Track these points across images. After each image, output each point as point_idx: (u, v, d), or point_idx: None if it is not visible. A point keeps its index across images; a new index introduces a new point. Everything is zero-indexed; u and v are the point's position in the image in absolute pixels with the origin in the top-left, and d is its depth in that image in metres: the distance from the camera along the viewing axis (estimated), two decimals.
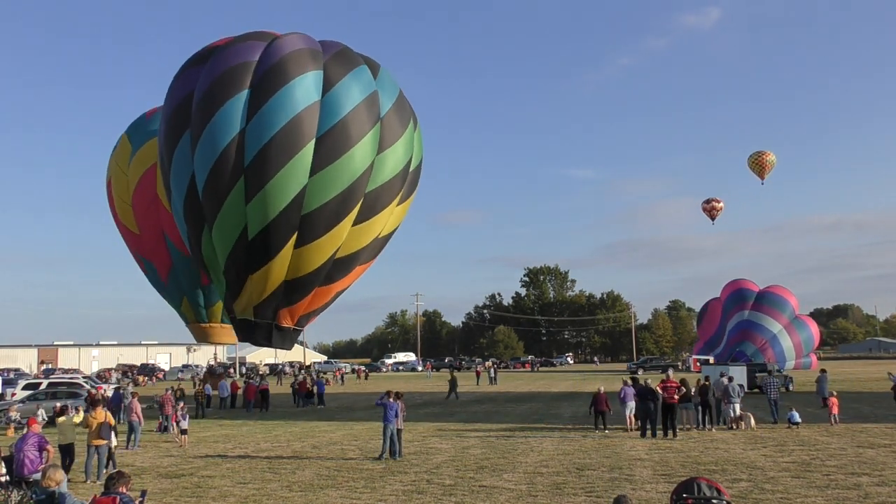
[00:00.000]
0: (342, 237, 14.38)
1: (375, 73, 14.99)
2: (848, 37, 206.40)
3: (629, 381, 22.63)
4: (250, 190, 13.70)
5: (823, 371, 30.72)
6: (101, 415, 15.28)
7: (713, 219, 56.58)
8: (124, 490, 6.96)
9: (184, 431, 20.86)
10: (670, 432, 20.19)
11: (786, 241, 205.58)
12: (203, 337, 23.29)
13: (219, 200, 13.93)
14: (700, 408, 22.18)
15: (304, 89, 13.76)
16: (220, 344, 22.49)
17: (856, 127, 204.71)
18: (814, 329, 51.48)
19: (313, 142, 13.69)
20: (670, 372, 24.44)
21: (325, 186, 13.85)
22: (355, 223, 14.44)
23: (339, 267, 14.85)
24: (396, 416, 17.20)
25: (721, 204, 56.01)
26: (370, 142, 14.10)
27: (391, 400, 17.61)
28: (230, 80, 13.83)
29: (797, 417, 21.55)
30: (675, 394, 20.72)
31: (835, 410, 22.50)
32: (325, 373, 61.40)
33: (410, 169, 15.36)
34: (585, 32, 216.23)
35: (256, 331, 15.13)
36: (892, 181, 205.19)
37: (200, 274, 20.35)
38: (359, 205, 14.28)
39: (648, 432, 20.32)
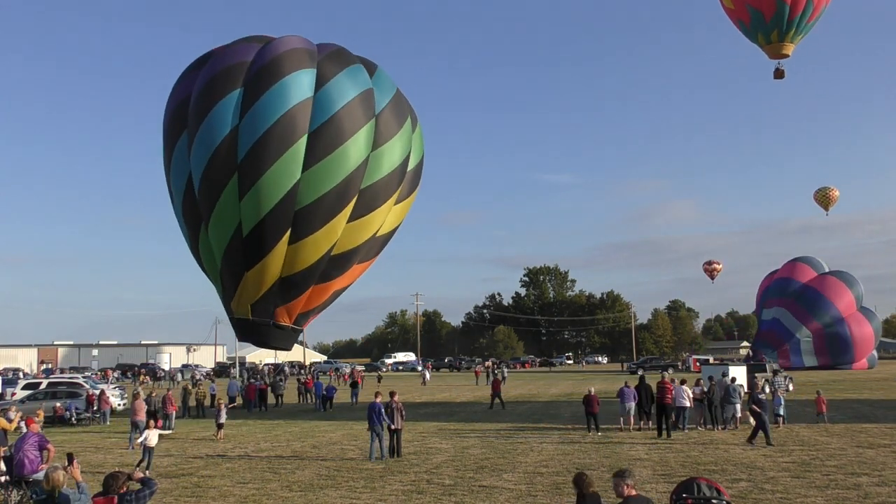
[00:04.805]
0: (337, 233, 14.40)
1: (371, 73, 15.11)
2: (835, 40, 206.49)
3: (629, 382, 22.60)
4: (243, 186, 13.84)
5: None
6: None
7: (713, 278, 62.53)
8: (126, 489, 6.87)
9: (220, 426, 21.84)
10: (664, 432, 20.19)
11: (765, 242, 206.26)
12: (772, 53, 30.96)
13: (214, 198, 14.11)
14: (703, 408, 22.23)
15: (297, 86, 13.93)
16: (781, 58, 30.72)
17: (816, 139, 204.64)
18: (857, 331, 49.96)
19: (305, 136, 13.83)
20: (669, 371, 24.48)
21: (318, 181, 13.90)
22: (351, 219, 14.42)
23: (336, 264, 14.85)
24: (381, 415, 17.02)
25: (720, 265, 62.36)
26: (364, 138, 14.17)
27: (377, 400, 17.60)
28: (224, 80, 14.11)
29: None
30: (670, 394, 20.72)
31: (822, 409, 22.50)
32: (323, 372, 61.75)
33: (409, 168, 15.27)
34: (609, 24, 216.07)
35: (255, 330, 15.14)
36: (858, 188, 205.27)
37: (762, 14, 29.86)
38: (354, 200, 14.29)
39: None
